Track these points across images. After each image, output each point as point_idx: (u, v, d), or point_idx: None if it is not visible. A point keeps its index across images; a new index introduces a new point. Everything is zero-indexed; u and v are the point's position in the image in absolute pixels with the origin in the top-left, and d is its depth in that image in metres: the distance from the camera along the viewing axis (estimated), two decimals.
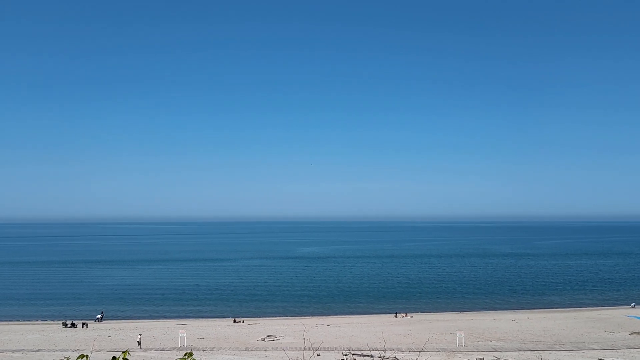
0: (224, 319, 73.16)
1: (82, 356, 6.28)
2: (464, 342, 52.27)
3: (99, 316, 75.04)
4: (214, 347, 52.20)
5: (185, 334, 54.88)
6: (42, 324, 71.02)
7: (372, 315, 76.62)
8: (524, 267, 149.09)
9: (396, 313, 75.04)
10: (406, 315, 74.12)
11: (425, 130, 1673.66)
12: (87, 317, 73.77)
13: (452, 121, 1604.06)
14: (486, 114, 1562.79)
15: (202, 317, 76.94)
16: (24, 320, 74.14)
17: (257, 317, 75.22)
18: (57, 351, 51.20)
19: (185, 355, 6.35)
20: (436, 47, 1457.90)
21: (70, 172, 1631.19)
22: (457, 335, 53.27)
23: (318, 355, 46.06)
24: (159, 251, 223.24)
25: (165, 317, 76.78)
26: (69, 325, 67.58)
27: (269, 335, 57.96)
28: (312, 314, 78.15)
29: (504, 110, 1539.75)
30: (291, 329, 61.88)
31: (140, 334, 55.84)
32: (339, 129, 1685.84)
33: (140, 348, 52.16)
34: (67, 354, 46.41)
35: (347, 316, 76.01)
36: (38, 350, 51.85)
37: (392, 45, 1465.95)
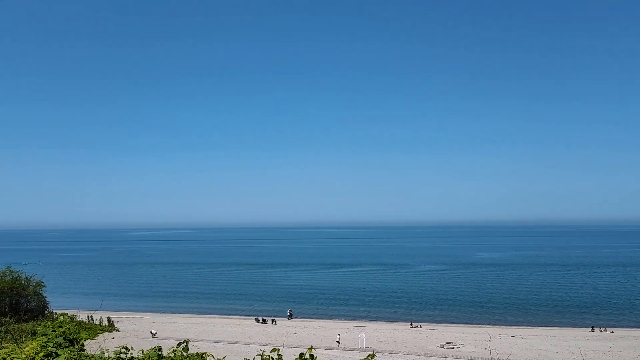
0: (401, 323, 73.45)
1: (274, 350, 6.98)
2: None
3: (288, 313, 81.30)
4: (392, 350, 52.78)
5: (364, 336, 56.48)
6: (238, 318, 79.46)
7: (564, 328, 69.75)
8: None
9: (592, 327, 67.31)
10: (605, 330, 65.96)
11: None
12: (273, 314, 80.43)
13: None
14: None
15: (379, 320, 78.29)
16: (224, 315, 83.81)
17: (433, 322, 74.08)
18: (251, 344, 56.68)
19: (368, 356, 6.57)
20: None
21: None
22: None
23: None
24: (330, 254, 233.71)
25: (343, 318, 79.86)
26: (260, 321, 74.56)
27: (448, 342, 56.61)
28: (486, 323, 74.07)
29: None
30: (471, 337, 59.56)
31: (339, 334, 58.55)
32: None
33: (338, 347, 54.56)
34: (260, 347, 50.98)
35: (534, 327, 70.36)
36: (236, 342, 58.00)
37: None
